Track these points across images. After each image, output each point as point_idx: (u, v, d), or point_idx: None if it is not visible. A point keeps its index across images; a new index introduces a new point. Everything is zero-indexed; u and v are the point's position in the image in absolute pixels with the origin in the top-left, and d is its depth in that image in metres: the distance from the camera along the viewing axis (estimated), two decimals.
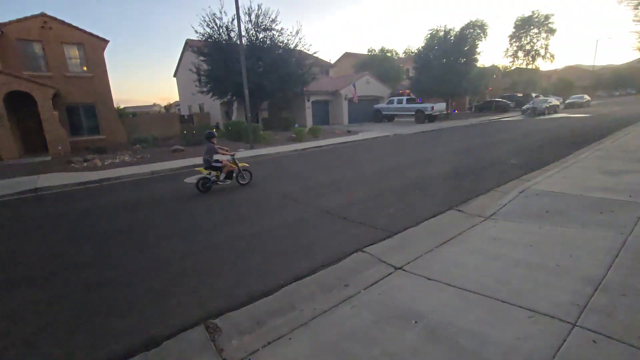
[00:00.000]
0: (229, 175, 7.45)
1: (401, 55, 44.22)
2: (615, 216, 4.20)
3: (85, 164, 11.65)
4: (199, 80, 20.61)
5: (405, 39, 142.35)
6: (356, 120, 27.82)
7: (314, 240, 4.42)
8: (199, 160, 8.21)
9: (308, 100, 25.14)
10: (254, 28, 19.03)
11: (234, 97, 20.63)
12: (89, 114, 17.77)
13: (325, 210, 5.63)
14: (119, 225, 5.54)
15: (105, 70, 17.96)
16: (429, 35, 26.70)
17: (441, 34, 26.10)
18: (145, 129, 20.20)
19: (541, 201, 5.06)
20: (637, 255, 3.17)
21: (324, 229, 4.80)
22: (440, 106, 25.16)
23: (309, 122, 24.69)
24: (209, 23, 18.40)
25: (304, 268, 3.57)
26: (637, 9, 10.90)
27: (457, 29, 25.80)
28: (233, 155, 7.69)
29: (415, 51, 28.70)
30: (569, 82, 49.86)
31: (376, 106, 28.45)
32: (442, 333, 2.34)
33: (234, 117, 23.82)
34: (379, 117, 27.89)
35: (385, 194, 6.43)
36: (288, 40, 19.75)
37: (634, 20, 12.88)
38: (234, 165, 7.52)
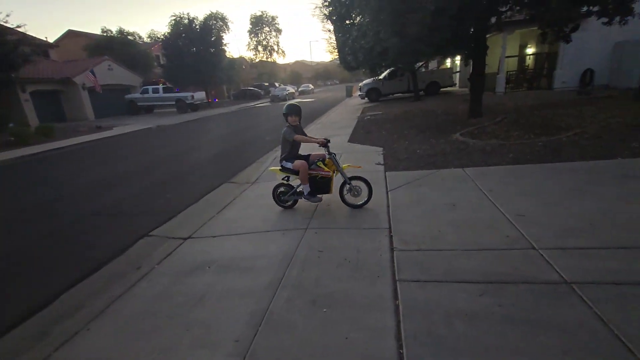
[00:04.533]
0: (320, 187, 4.04)
1: (146, 39, 40.40)
2: None
3: None
4: None
5: (144, 21, 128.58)
6: (106, 114, 23.68)
7: (92, 242, 4.04)
8: None
9: (24, 92, 18.83)
10: None
11: None
12: None
13: (95, 212, 5.05)
14: None
15: None
16: (173, 21, 25.97)
17: (185, 21, 26.04)
18: None
19: None
20: None
21: (99, 229, 4.41)
22: (200, 95, 25.66)
23: (33, 119, 18.73)
24: None
25: (86, 270, 3.31)
26: (323, 22, 15.53)
27: (201, 18, 26.59)
28: (326, 145, 3.93)
29: (162, 37, 27.22)
30: (298, 74, 62.84)
31: (128, 96, 25.23)
32: (230, 265, 3.07)
33: None
34: (135, 109, 25.03)
35: (162, 183, 6.43)
36: None
37: (322, 30, 18.53)
38: (327, 169, 3.98)
